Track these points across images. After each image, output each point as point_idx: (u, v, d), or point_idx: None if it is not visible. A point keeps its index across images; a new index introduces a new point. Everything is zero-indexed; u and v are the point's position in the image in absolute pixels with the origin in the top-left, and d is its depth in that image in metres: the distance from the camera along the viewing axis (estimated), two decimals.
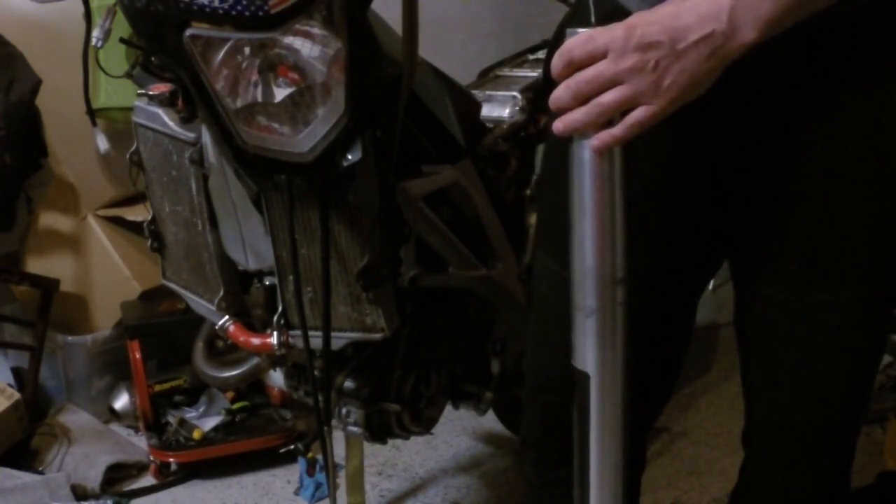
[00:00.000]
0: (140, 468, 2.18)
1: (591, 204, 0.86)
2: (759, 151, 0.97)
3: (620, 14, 0.83)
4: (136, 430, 2.33)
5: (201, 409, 2.23)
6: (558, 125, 0.84)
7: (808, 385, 1.04)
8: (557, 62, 0.83)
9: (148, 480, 2.15)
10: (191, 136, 1.29)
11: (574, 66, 0.82)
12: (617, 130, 0.82)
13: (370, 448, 2.11)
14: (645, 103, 0.81)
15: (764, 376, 1.08)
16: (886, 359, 2.33)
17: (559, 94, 0.83)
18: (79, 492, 2.03)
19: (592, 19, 0.83)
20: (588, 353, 0.90)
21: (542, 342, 1.16)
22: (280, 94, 1.04)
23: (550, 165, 1.09)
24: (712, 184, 1.02)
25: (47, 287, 2.28)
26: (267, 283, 1.36)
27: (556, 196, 0.92)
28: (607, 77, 0.80)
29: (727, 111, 0.96)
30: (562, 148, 0.89)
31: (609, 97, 0.81)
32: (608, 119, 0.82)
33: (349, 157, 1.07)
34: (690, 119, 0.91)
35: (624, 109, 0.82)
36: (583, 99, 0.82)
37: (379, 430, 1.46)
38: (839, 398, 1.05)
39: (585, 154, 0.84)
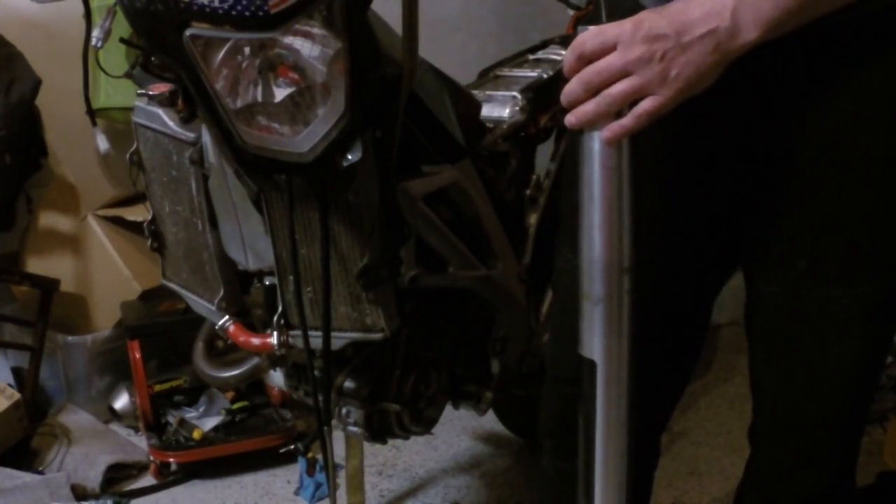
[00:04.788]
0: (140, 468, 2.18)
1: (600, 194, 0.89)
2: (767, 149, 0.99)
3: (637, 12, 0.86)
4: (136, 430, 2.33)
5: (201, 409, 2.23)
6: (570, 119, 0.88)
7: (816, 380, 1.05)
8: (570, 56, 0.87)
9: (148, 480, 2.15)
10: (191, 136, 1.29)
11: (585, 60, 0.86)
12: (626, 121, 0.86)
13: (370, 448, 2.11)
14: (652, 94, 0.84)
15: (773, 372, 1.09)
16: (887, 359, 2.34)
17: (571, 88, 0.87)
18: (79, 492, 2.03)
19: (603, 18, 0.86)
20: (595, 341, 0.93)
21: (563, 334, 1.17)
22: (280, 94, 1.04)
23: (571, 161, 1.11)
24: (722, 180, 1.04)
25: (47, 287, 2.28)
26: (267, 283, 1.36)
27: (577, 190, 0.94)
28: (617, 68, 0.84)
29: (735, 109, 0.98)
30: None
31: (618, 88, 0.85)
32: (618, 110, 0.86)
33: (349, 157, 1.07)
34: (699, 115, 0.93)
35: (632, 100, 0.85)
36: (594, 90, 0.86)
37: (379, 430, 1.46)
38: (847, 393, 1.07)
39: (595, 145, 0.88)
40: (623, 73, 0.84)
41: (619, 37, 0.84)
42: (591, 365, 0.93)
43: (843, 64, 0.93)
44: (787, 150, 0.97)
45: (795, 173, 0.98)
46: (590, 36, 0.85)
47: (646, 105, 0.85)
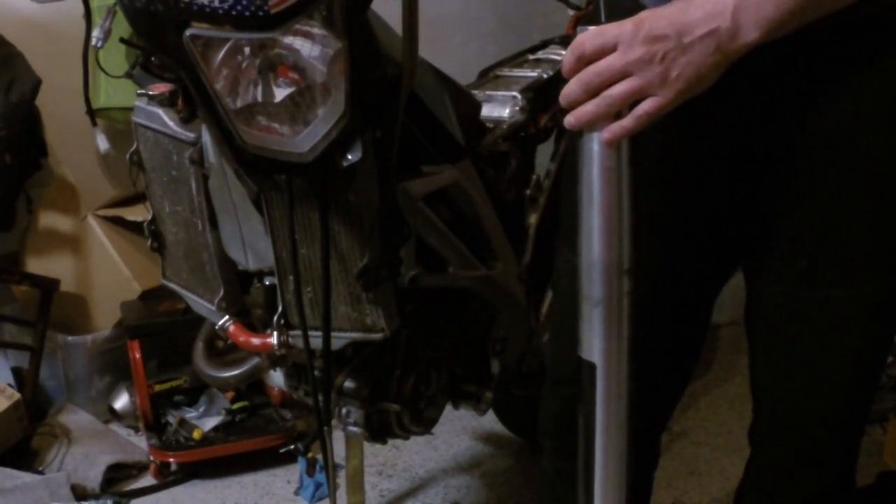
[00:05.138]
0: (140, 468, 2.18)
1: (599, 195, 0.88)
2: (768, 149, 0.99)
3: (637, 12, 0.86)
4: (136, 430, 2.33)
5: (201, 409, 2.23)
6: (570, 119, 0.87)
7: (816, 381, 1.05)
8: (569, 57, 0.86)
9: (148, 480, 2.15)
10: (191, 136, 1.29)
11: (585, 60, 0.85)
12: (626, 122, 0.85)
13: (370, 448, 2.11)
14: (653, 94, 0.84)
15: (773, 372, 1.09)
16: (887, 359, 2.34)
17: (571, 89, 0.87)
18: (79, 492, 2.03)
19: (603, 18, 0.85)
20: (594, 343, 0.93)
21: (562, 335, 1.17)
22: (280, 94, 1.04)
23: (571, 161, 1.11)
24: (723, 180, 1.04)
25: (47, 287, 2.28)
26: (267, 283, 1.36)
27: (577, 191, 0.94)
28: (617, 69, 0.84)
29: (736, 110, 0.98)
30: None
31: (619, 89, 0.84)
32: (618, 111, 0.85)
33: (349, 157, 1.07)
34: (699, 116, 0.93)
35: (632, 101, 0.85)
36: (594, 91, 0.85)
37: (379, 430, 1.46)
38: (847, 394, 1.07)
39: (594, 147, 0.87)
40: (623, 74, 0.84)
41: (620, 37, 0.83)
42: (591, 367, 0.93)
43: (844, 64, 0.92)
44: (787, 150, 0.97)
45: (796, 173, 0.98)
46: (589, 36, 0.85)
47: (646, 106, 0.84)
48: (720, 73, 0.84)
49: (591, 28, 0.85)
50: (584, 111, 0.86)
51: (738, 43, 0.82)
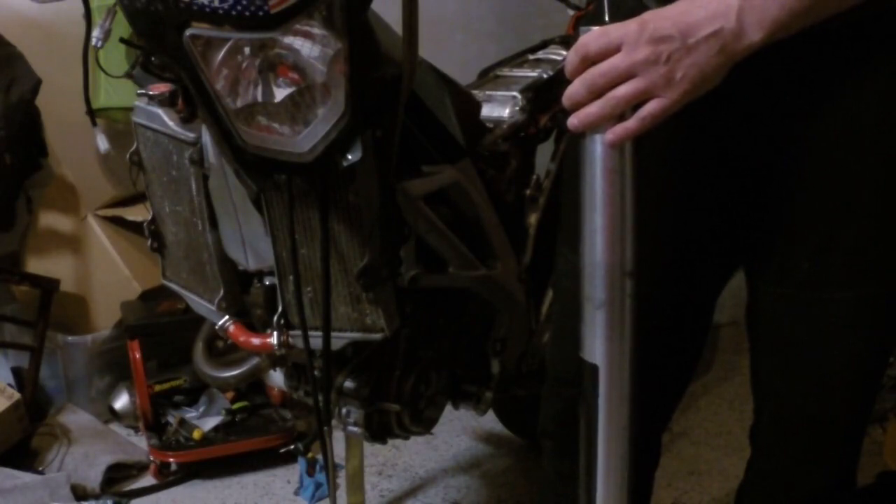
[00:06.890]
0: (140, 468, 2.18)
1: (602, 197, 0.88)
2: (771, 150, 0.99)
3: (640, 11, 0.85)
4: (136, 430, 2.33)
5: (201, 409, 2.23)
6: (573, 121, 0.87)
7: (818, 381, 1.05)
8: (573, 58, 0.86)
9: (148, 480, 2.15)
10: (191, 136, 1.29)
11: (589, 61, 0.85)
12: (630, 123, 0.85)
13: (370, 448, 2.11)
14: (657, 96, 0.83)
15: (775, 372, 1.09)
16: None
17: (574, 89, 0.86)
18: (79, 492, 2.03)
19: (606, 17, 0.85)
20: (597, 345, 0.92)
21: (564, 335, 1.17)
22: (280, 94, 1.04)
23: (572, 162, 1.11)
24: (725, 181, 1.04)
25: (47, 287, 2.28)
26: (267, 283, 1.36)
27: (578, 192, 0.94)
28: (621, 70, 0.83)
29: (740, 111, 0.98)
30: None
31: (623, 90, 0.83)
32: (621, 112, 0.85)
33: (349, 157, 1.07)
34: (703, 118, 0.93)
35: (637, 103, 0.84)
36: (598, 92, 0.85)
37: (379, 430, 1.46)
38: (849, 394, 1.07)
39: (597, 148, 0.87)
40: (628, 75, 0.83)
41: (624, 38, 0.83)
42: (594, 368, 0.93)
43: (848, 66, 0.92)
44: (790, 151, 0.97)
45: (799, 175, 0.98)
46: (593, 37, 0.84)
47: (650, 107, 0.84)
48: (724, 74, 0.84)
49: (595, 28, 0.85)
50: (588, 112, 0.85)
51: (742, 44, 0.82)
